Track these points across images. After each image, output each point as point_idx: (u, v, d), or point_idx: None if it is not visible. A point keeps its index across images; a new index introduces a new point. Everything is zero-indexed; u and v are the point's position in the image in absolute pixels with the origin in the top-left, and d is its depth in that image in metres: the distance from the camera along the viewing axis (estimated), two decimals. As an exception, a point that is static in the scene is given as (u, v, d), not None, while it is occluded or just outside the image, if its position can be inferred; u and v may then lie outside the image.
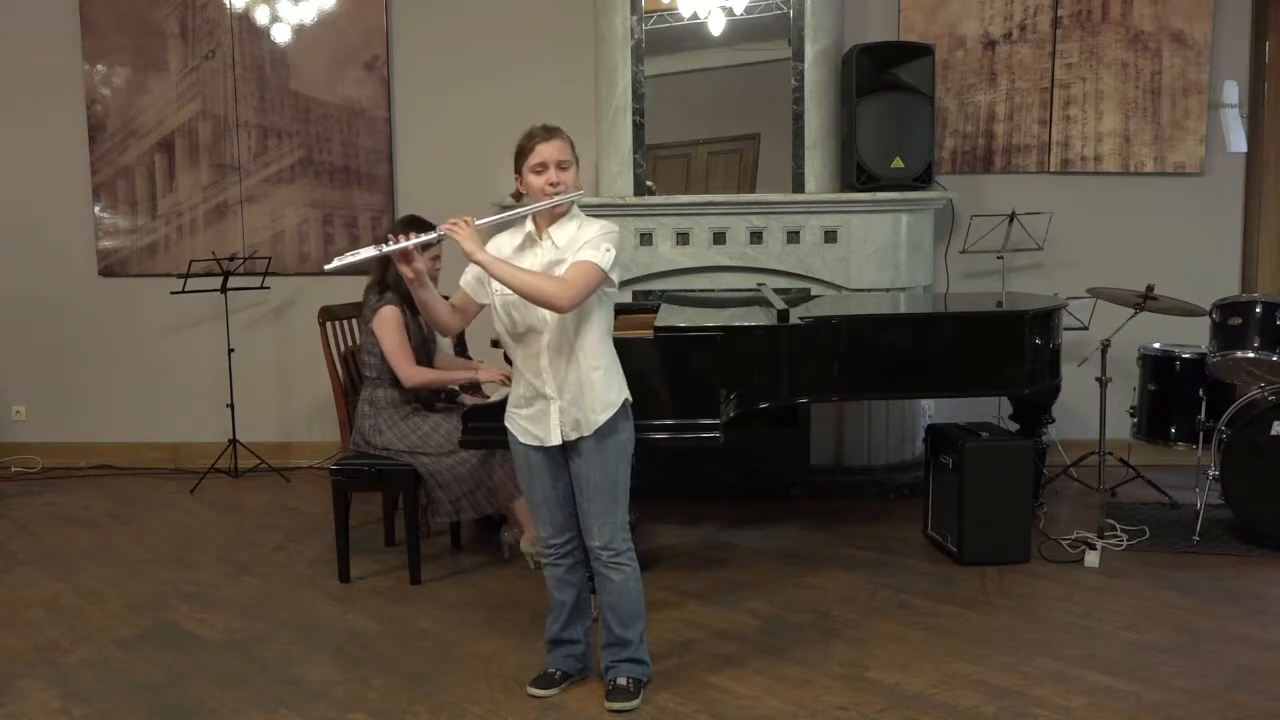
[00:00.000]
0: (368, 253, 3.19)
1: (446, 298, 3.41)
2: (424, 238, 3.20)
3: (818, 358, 4.26)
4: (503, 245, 3.32)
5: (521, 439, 3.35)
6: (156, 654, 3.84)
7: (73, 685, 3.59)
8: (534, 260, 3.25)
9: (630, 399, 3.34)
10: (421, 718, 3.35)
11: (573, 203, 3.29)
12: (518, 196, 3.35)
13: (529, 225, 3.30)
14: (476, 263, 3.13)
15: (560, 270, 3.20)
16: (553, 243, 3.25)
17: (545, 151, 3.21)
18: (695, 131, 6.01)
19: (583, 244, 3.20)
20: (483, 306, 3.36)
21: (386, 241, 3.17)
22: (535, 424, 3.30)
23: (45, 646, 3.92)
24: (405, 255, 3.15)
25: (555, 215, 3.27)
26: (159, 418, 6.55)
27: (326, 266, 3.24)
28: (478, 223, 3.17)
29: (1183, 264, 5.98)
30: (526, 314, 3.22)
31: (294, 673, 3.67)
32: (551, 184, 3.21)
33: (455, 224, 3.12)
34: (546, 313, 3.19)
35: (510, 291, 3.19)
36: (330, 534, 4.62)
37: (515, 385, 3.36)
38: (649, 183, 5.81)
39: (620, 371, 3.35)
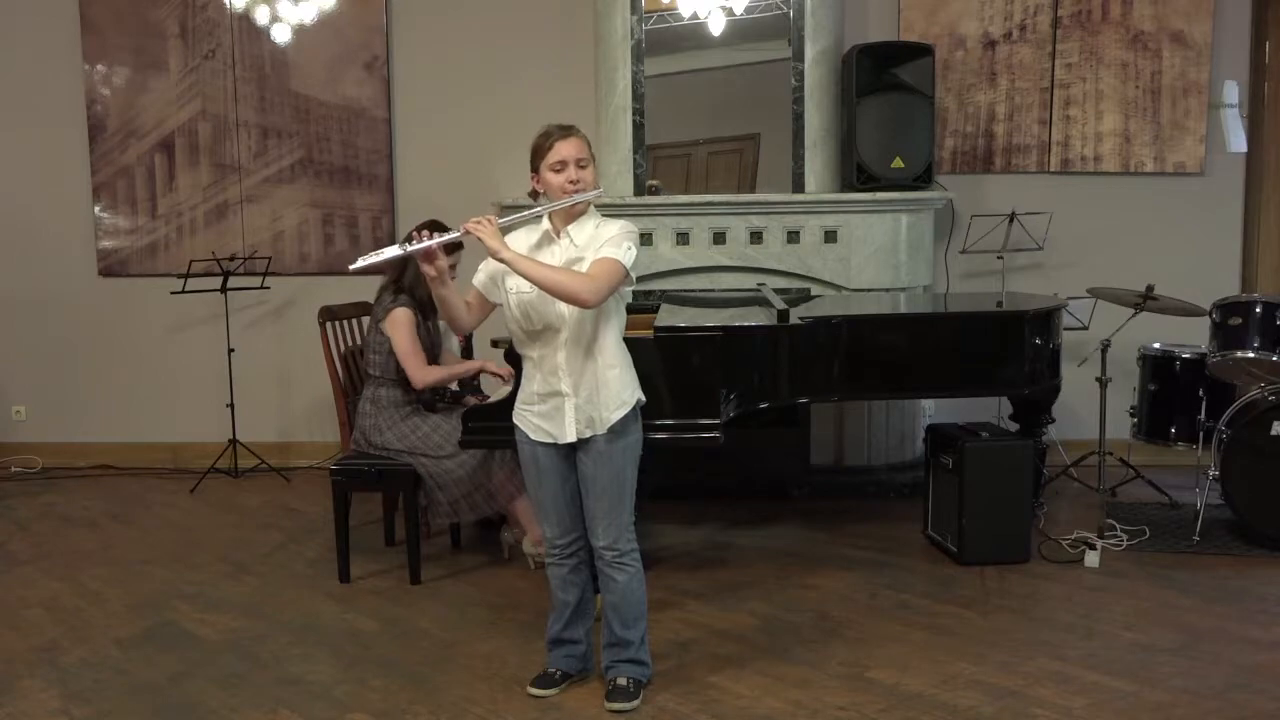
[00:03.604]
0: (392, 252, 3.19)
1: None
2: (447, 237, 3.20)
3: (818, 358, 4.26)
4: (519, 244, 3.30)
5: (533, 435, 3.35)
6: (156, 654, 3.84)
7: (73, 685, 3.59)
8: (553, 259, 3.26)
9: (643, 399, 3.35)
10: (421, 718, 3.35)
11: (595, 199, 3.30)
12: (534, 196, 3.35)
13: (545, 224, 3.31)
14: (502, 260, 3.12)
15: (580, 269, 3.21)
16: (571, 241, 3.26)
17: (564, 150, 3.22)
18: (695, 131, 6.01)
19: (604, 242, 3.21)
20: (495, 306, 3.37)
21: (410, 240, 3.18)
22: (548, 420, 3.30)
23: (45, 646, 3.92)
24: (428, 254, 3.15)
25: (573, 214, 3.28)
26: (159, 418, 6.55)
27: (351, 266, 3.22)
28: (500, 222, 3.17)
29: (1183, 264, 5.98)
30: (544, 312, 3.22)
31: (294, 673, 3.67)
32: (571, 182, 3.22)
33: (478, 223, 3.12)
34: (564, 310, 3.20)
35: (526, 289, 3.20)
36: (330, 534, 4.62)
37: (527, 382, 3.36)
38: (656, 182, 5.81)
39: (633, 371, 3.35)
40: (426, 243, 3.14)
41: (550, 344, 3.26)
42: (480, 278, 3.35)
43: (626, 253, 3.18)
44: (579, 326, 3.23)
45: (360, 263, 3.17)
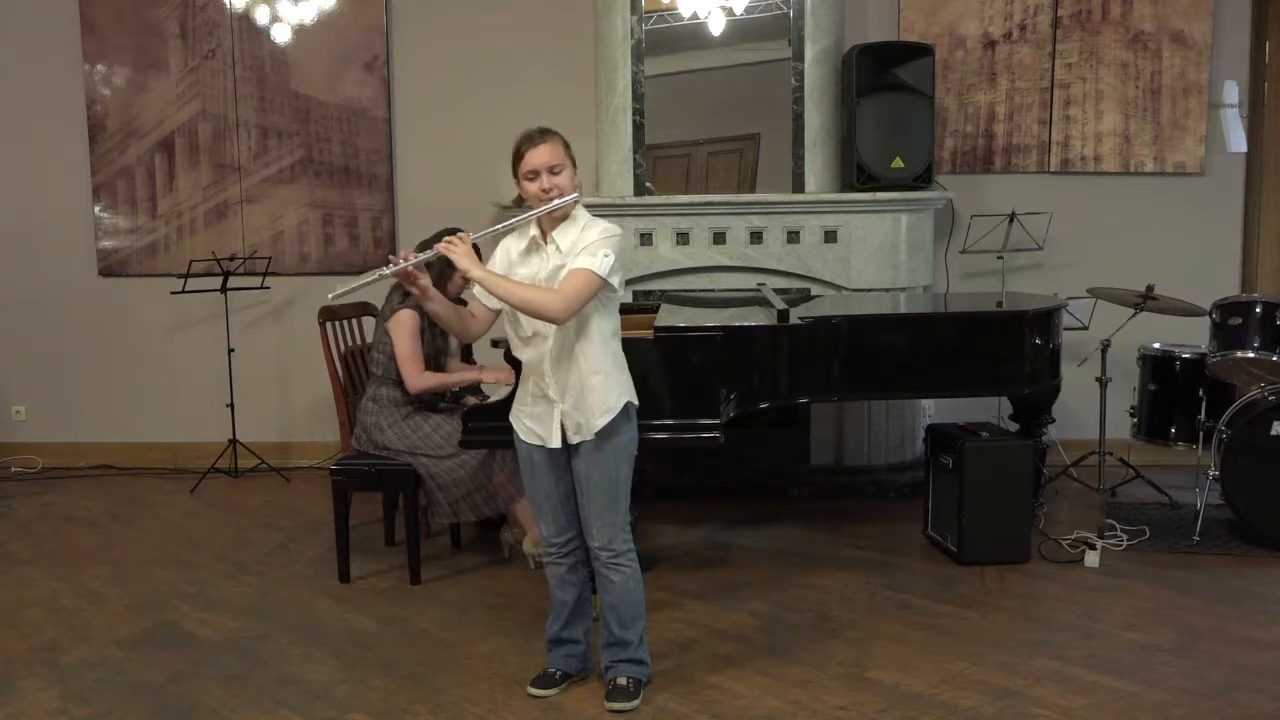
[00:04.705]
0: (369, 278, 3.21)
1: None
2: (420, 257, 3.23)
3: (818, 358, 4.26)
4: (510, 249, 3.34)
5: (525, 437, 3.37)
6: (156, 654, 3.84)
7: (73, 685, 3.59)
8: (539, 265, 3.27)
9: (634, 402, 3.34)
10: (421, 718, 3.35)
11: (575, 204, 3.28)
12: (519, 201, 3.36)
13: (533, 229, 3.30)
14: (473, 279, 3.18)
15: (564, 275, 3.21)
16: (556, 247, 3.26)
17: (534, 159, 3.21)
18: (695, 131, 6.01)
19: (582, 249, 3.20)
20: (498, 313, 3.39)
21: (387, 264, 3.22)
22: (539, 424, 3.33)
23: (45, 646, 3.92)
24: (407, 275, 3.20)
25: (557, 218, 3.27)
26: (159, 418, 6.55)
27: (330, 296, 3.27)
28: (474, 236, 3.20)
29: (1183, 264, 5.98)
30: (533, 319, 3.24)
31: (294, 673, 3.67)
32: (545, 190, 3.21)
33: (450, 242, 3.16)
34: None
35: None
36: (330, 534, 4.62)
37: (523, 384, 3.39)
38: (647, 184, 5.81)
39: (624, 375, 3.35)
40: (402, 265, 3.18)
41: (539, 349, 3.28)
42: (478, 288, 3.36)
43: (603, 261, 3.16)
44: (563, 334, 3.23)
45: (340, 290, 3.21)
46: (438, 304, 3.31)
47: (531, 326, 3.26)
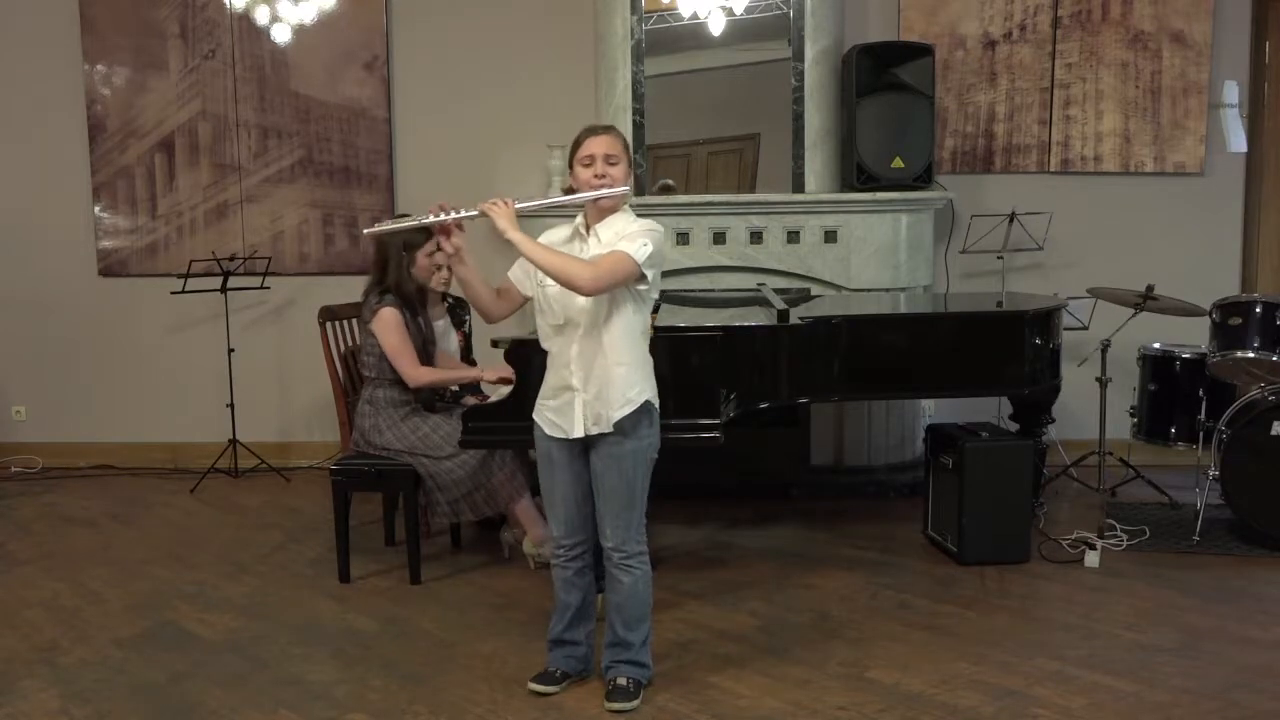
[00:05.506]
0: (410, 223, 3.37)
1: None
2: (464, 214, 3.27)
3: (818, 358, 4.26)
4: (554, 238, 3.39)
5: (547, 430, 3.38)
6: (156, 654, 3.84)
7: (73, 685, 3.59)
8: (578, 252, 3.31)
9: (653, 403, 3.34)
10: (421, 718, 3.35)
11: (624, 200, 3.33)
12: (569, 192, 3.40)
13: (579, 219, 3.36)
14: (510, 240, 3.19)
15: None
16: (598, 239, 3.30)
17: (593, 145, 3.29)
18: (695, 131, 6.01)
19: (622, 238, 3.24)
20: (526, 300, 3.42)
21: (429, 214, 3.27)
22: (561, 415, 3.33)
23: (45, 646, 3.92)
24: (444, 228, 3.26)
25: (603, 212, 3.31)
26: (159, 418, 6.55)
27: (366, 231, 3.44)
28: (518, 205, 3.24)
29: (1183, 264, 5.98)
30: (566, 305, 3.27)
31: (294, 673, 3.67)
32: (598, 176, 3.27)
33: (495, 203, 3.22)
34: (583, 304, 3.24)
35: (553, 283, 3.26)
36: (330, 534, 4.62)
37: (547, 378, 3.40)
38: (670, 181, 5.82)
39: (648, 374, 3.36)
40: (443, 217, 3.24)
41: (568, 337, 3.30)
42: (515, 270, 3.41)
43: (640, 249, 3.20)
44: (593, 322, 3.26)
45: (377, 228, 3.39)
46: (468, 270, 3.33)
47: (563, 314, 3.28)
